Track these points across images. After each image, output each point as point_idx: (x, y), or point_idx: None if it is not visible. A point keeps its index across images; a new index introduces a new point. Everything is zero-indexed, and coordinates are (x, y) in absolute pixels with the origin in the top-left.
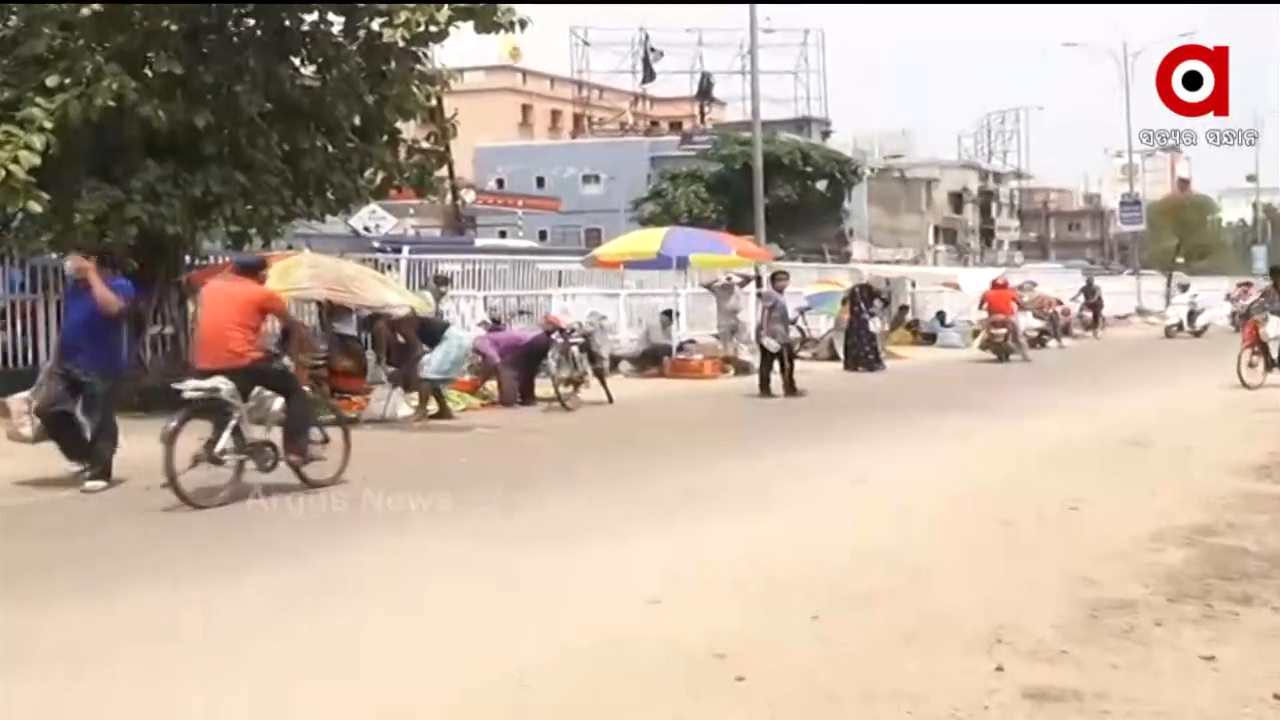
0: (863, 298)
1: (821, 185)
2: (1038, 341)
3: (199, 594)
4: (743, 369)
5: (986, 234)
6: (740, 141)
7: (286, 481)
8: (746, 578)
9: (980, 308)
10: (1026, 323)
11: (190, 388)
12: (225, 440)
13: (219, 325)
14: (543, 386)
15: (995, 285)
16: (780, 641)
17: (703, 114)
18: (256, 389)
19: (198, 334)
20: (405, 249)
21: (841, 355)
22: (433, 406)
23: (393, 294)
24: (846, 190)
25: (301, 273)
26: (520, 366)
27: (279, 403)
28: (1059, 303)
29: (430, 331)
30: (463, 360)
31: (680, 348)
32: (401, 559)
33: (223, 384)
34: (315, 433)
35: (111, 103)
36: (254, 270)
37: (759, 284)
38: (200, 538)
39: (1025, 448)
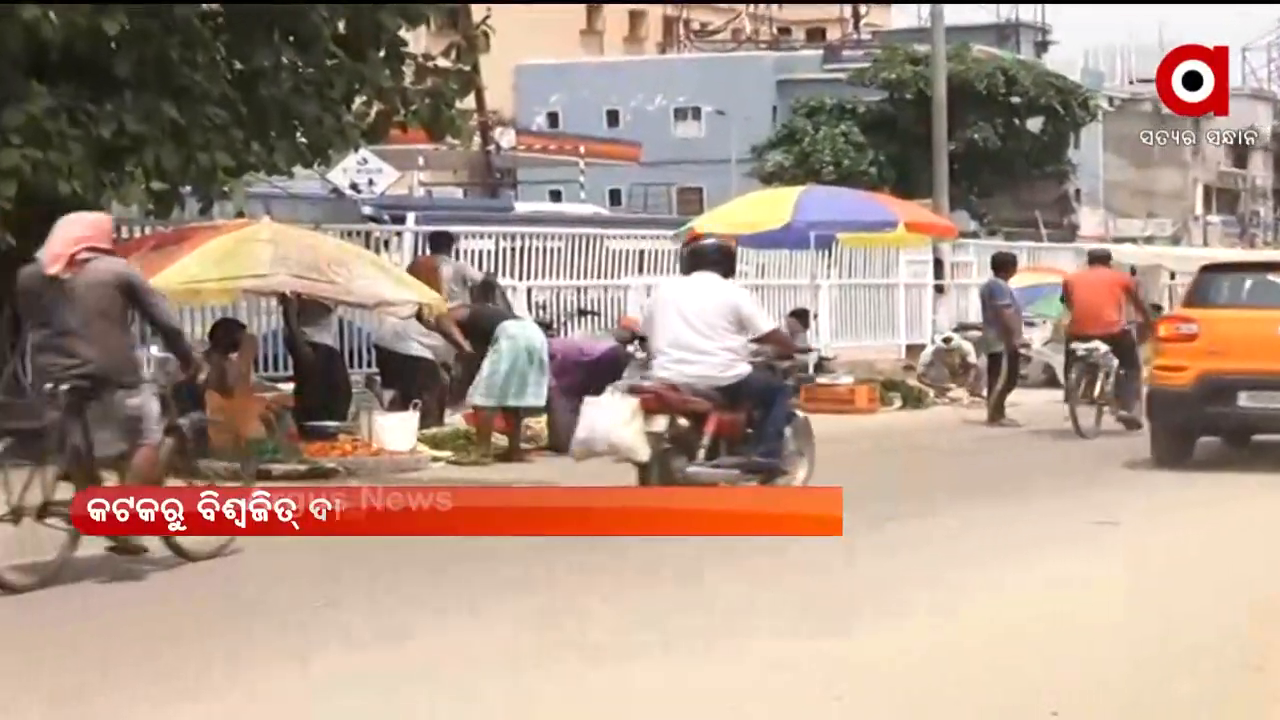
0: None
1: (1035, 124)
2: None
3: None
4: (916, 400)
5: None
6: (913, 60)
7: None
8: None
9: None
10: None
11: (1081, 348)
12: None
13: (1098, 302)
14: None
15: None
16: None
17: (857, 18)
18: None
19: (1077, 308)
20: (411, 216)
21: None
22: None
23: (393, 285)
24: (1073, 132)
25: (259, 253)
26: (583, 394)
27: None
28: None
29: (481, 329)
30: (529, 370)
31: (819, 366)
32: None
33: (1100, 346)
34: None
35: None
36: (1108, 259)
37: (939, 271)
38: None
39: None
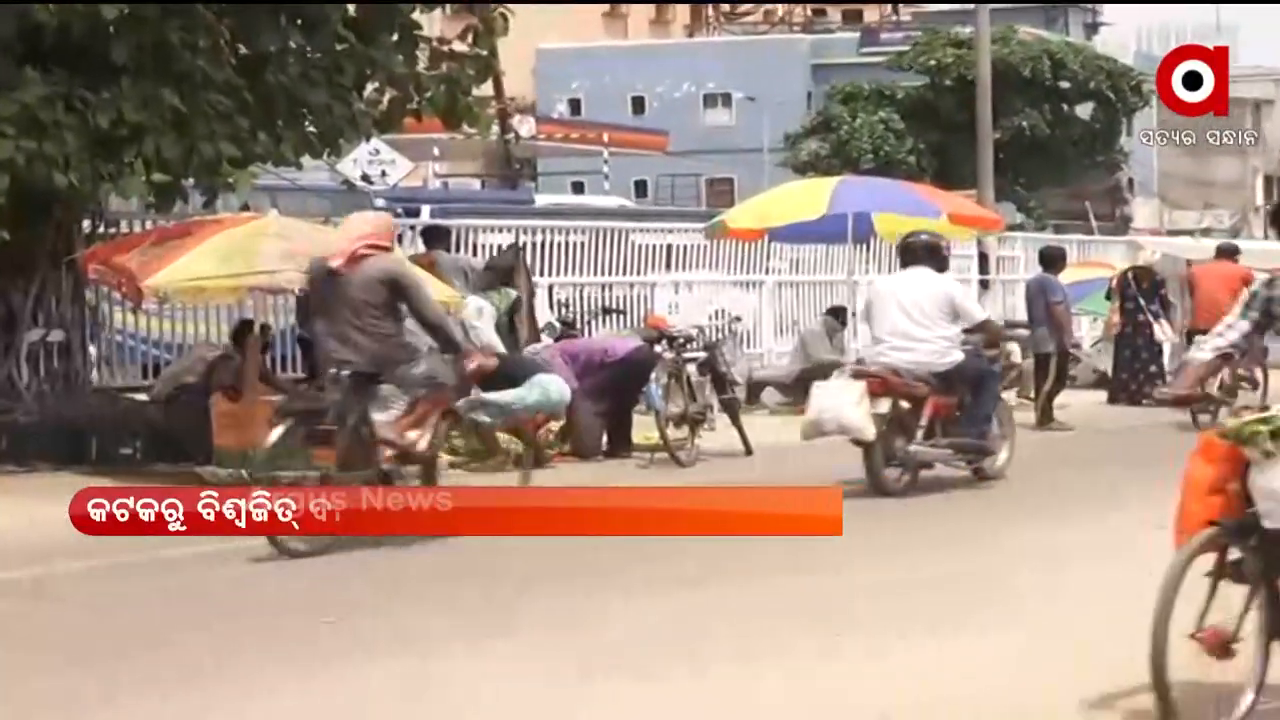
0: (1139, 290)
1: (1084, 111)
2: None
3: None
4: None
5: None
6: (955, 43)
7: None
8: None
9: None
10: None
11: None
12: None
13: (1218, 296)
14: (642, 427)
15: None
16: None
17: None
18: None
19: (1199, 301)
20: (425, 210)
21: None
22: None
23: None
24: (1125, 118)
25: (267, 247)
26: (607, 396)
27: None
28: None
29: (508, 376)
30: (535, 409)
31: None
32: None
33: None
34: None
35: None
36: (1234, 254)
37: (984, 265)
38: None
39: None
